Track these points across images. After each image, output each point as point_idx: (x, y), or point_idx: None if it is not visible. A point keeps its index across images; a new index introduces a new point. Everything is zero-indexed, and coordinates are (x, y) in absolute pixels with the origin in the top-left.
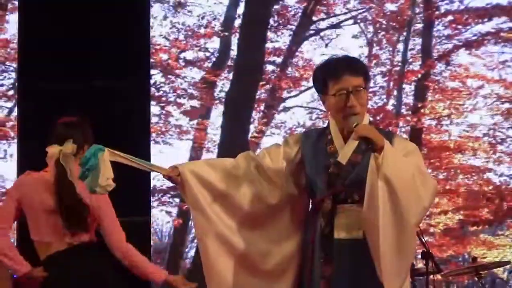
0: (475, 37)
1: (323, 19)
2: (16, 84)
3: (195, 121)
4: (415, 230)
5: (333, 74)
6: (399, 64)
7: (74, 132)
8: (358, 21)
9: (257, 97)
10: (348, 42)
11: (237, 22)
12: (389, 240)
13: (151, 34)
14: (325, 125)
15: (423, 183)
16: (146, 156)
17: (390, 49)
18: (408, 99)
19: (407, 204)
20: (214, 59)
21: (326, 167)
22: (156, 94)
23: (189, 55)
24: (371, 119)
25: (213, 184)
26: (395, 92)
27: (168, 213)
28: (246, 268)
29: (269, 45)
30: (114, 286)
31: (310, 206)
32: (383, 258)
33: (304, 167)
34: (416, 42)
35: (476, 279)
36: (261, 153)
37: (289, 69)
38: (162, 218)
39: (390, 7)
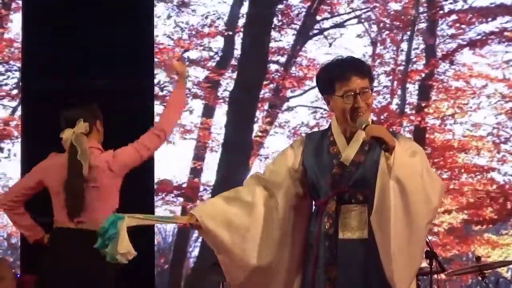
0: (479, 37)
1: (327, 19)
2: (20, 83)
3: (199, 120)
4: (426, 231)
5: (340, 75)
6: (403, 63)
7: (82, 112)
8: (362, 20)
9: (261, 96)
10: (352, 42)
11: (241, 21)
12: (400, 240)
13: (155, 33)
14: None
15: (432, 183)
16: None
17: (394, 48)
18: (412, 98)
19: (418, 205)
20: (218, 58)
21: (329, 168)
22: (160, 93)
23: (193, 54)
24: (375, 118)
25: (234, 223)
26: (399, 92)
27: (172, 212)
28: (261, 276)
29: (273, 44)
30: (97, 278)
31: (313, 207)
32: (394, 258)
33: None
34: (420, 42)
35: (480, 278)
36: (267, 171)
37: (293, 68)
38: None
39: (394, 6)
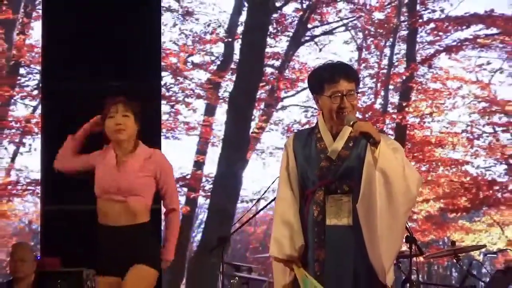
0: (454, 43)
1: (317, 27)
2: (40, 85)
3: (201, 118)
4: (406, 218)
5: (330, 78)
6: (386, 67)
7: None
8: (349, 28)
9: (257, 96)
10: (340, 47)
11: (240, 29)
12: (384, 224)
13: (162, 40)
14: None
15: (411, 176)
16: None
17: (378, 53)
18: (394, 98)
19: (399, 194)
20: (218, 62)
21: (317, 161)
22: (167, 94)
23: (196, 58)
24: (360, 116)
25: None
26: (382, 92)
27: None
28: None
29: (268, 50)
30: None
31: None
32: (381, 240)
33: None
34: (401, 47)
35: (455, 261)
36: (283, 178)
37: (287, 71)
38: None
39: (378, 15)
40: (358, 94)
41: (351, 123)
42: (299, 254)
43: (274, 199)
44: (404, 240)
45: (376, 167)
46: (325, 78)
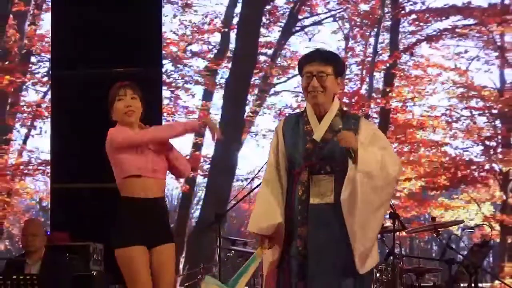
0: (434, 33)
1: (307, 18)
2: (49, 72)
3: (200, 103)
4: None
5: (307, 59)
6: (371, 55)
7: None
8: (337, 19)
9: (251, 82)
10: (328, 37)
11: (235, 20)
12: (365, 217)
13: (163, 30)
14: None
15: (390, 160)
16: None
17: (363, 42)
18: (378, 84)
19: (379, 183)
20: (215, 51)
21: (303, 143)
22: (167, 80)
23: (195, 47)
24: (347, 101)
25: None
26: (367, 79)
27: (177, 180)
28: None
29: (261, 39)
30: None
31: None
32: (359, 230)
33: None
34: (385, 37)
35: (435, 235)
36: (272, 158)
37: (279, 59)
38: (172, 185)
39: (364, 7)
40: (346, 80)
41: (336, 129)
42: (275, 232)
43: None
44: (388, 217)
45: (357, 170)
46: (303, 59)
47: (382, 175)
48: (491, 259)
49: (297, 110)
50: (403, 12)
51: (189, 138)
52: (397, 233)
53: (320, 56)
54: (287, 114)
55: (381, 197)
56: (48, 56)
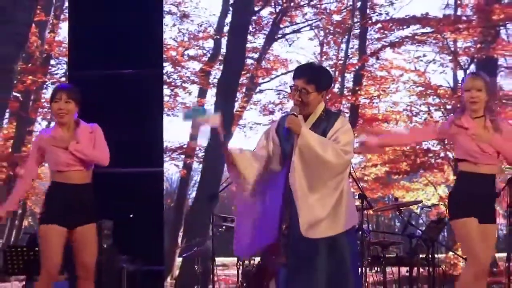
0: (397, 39)
1: (287, 26)
2: (67, 73)
3: (195, 100)
4: (332, 183)
5: (296, 72)
6: (342, 58)
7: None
8: (313, 28)
9: (240, 82)
10: (306, 43)
11: (226, 28)
12: (304, 192)
13: (164, 37)
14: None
15: (336, 155)
16: (160, 125)
17: (336, 48)
18: (349, 84)
19: (313, 163)
20: (209, 55)
21: (291, 139)
22: (168, 80)
23: (191, 52)
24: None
25: (247, 159)
26: (339, 79)
27: (177, 166)
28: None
29: (249, 45)
30: None
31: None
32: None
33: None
34: (355, 43)
35: (397, 213)
36: (263, 139)
37: (263, 62)
38: (172, 170)
39: (336, 17)
40: (326, 91)
41: (290, 114)
42: (248, 157)
43: None
44: (357, 197)
45: (297, 148)
46: (295, 71)
47: (320, 154)
48: (445, 233)
49: (279, 106)
50: (370, 21)
51: (187, 130)
52: (365, 211)
53: (305, 73)
54: (270, 109)
55: (315, 174)
56: (65, 59)
